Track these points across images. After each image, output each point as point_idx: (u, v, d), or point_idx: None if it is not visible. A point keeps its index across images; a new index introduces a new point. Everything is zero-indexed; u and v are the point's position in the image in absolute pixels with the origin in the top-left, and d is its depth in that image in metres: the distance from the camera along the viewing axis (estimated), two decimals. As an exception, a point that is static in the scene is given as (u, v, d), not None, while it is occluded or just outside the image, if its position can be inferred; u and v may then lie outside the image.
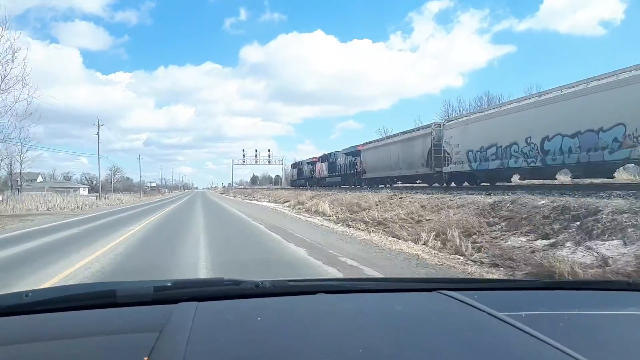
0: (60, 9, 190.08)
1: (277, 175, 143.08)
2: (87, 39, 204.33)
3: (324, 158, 45.08)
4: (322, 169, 45.04)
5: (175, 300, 1.16)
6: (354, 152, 35.96)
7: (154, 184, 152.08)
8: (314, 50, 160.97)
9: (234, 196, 53.17)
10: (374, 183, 31.78)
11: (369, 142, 33.86)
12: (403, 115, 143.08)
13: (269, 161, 71.20)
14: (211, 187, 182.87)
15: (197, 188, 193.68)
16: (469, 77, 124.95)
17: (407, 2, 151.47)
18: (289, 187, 61.78)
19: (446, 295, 1.27)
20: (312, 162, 50.78)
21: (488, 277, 5.33)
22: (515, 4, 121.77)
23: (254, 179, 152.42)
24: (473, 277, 5.23)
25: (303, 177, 54.51)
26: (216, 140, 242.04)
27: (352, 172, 35.80)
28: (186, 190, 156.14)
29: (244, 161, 69.95)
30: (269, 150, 73.59)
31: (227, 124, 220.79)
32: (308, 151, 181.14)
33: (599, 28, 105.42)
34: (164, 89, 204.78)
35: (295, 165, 60.64)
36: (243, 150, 71.26)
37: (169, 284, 1.24)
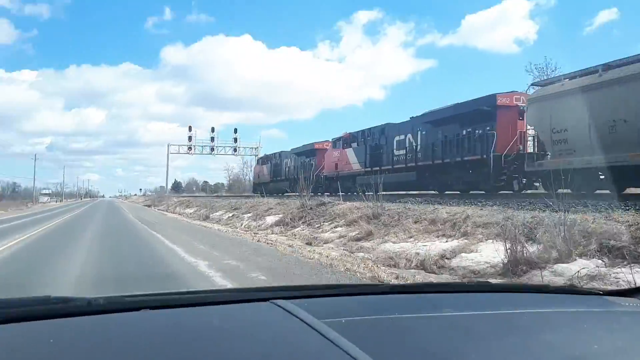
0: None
1: (205, 182, 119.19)
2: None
3: (349, 139, 24.78)
4: (342, 160, 24.75)
5: None
6: (479, 115, 15.94)
7: (47, 191, 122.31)
8: (240, 55, 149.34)
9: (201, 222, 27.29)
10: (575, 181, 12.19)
11: (545, 83, 14.25)
12: (326, 125, 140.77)
13: (235, 149, 48.21)
14: (122, 196, 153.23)
15: (103, 196, 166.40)
16: (391, 89, 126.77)
17: (337, 11, 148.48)
18: (252, 194, 40.46)
19: (277, 305, 1.27)
20: (307, 152, 30.29)
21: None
22: (439, 19, 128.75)
23: (177, 185, 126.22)
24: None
25: (283, 177, 33.79)
26: (128, 146, 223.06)
27: (477, 157, 15.82)
28: (86, 199, 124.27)
29: (190, 147, 45.90)
30: (235, 131, 49.25)
31: (142, 129, 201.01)
32: (228, 159, 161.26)
33: (514, 46, 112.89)
34: (74, 90, 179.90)
35: (265, 159, 39.51)
36: (190, 129, 46.55)
37: None
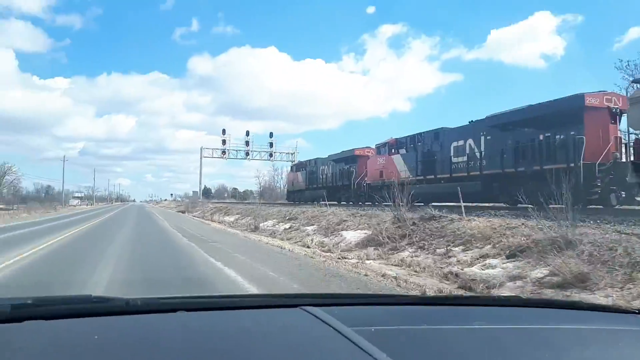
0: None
1: (235, 188, 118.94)
2: (24, 40, 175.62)
3: (395, 145, 22.81)
4: (388, 167, 22.77)
5: (35, 318, 1.12)
6: (562, 117, 13.75)
7: (79, 194, 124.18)
8: (266, 66, 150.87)
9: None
10: None
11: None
12: (351, 136, 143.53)
13: (270, 154, 46.80)
14: (152, 200, 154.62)
15: (134, 201, 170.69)
16: (417, 102, 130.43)
17: (361, 25, 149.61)
18: (285, 201, 38.94)
19: (306, 311, 1.28)
20: (347, 158, 28.39)
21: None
22: (464, 34, 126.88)
23: (207, 192, 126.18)
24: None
25: (320, 185, 32.01)
26: (157, 153, 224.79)
27: (561, 165, 13.52)
28: (117, 203, 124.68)
29: (224, 151, 44.55)
30: (270, 136, 46.55)
31: (170, 137, 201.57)
32: (255, 166, 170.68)
33: (541, 61, 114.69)
34: (105, 97, 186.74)
35: (299, 166, 37.83)
36: (224, 132, 45.29)
37: (29, 302, 1.20)
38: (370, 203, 23.63)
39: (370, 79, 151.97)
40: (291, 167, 39.82)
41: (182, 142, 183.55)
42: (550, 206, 13.41)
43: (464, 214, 10.47)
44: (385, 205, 15.27)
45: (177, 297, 1.42)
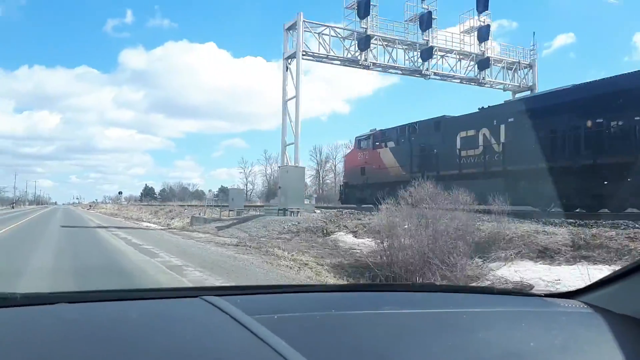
0: None
1: (185, 187, 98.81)
2: None
3: None
4: None
5: None
6: None
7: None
8: (204, 63, 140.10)
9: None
10: None
11: None
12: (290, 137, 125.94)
13: (483, 63, 17.99)
14: (79, 203, 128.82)
15: (55, 203, 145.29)
16: (355, 104, 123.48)
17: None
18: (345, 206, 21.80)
19: (206, 301, 1.21)
20: (597, 99, 11.84)
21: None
22: None
23: (149, 191, 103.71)
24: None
25: (469, 168, 15.32)
26: (84, 152, 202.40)
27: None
28: (30, 207, 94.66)
29: (361, 47, 14.89)
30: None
31: (98, 135, 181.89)
32: (187, 167, 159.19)
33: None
34: (25, 92, 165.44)
35: (383, 137, 20.39)
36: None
37: None
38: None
39: (310, 79, 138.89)
40: (357, 140, 22.12)
41: (111, 141, 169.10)
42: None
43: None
44: None
45: (60, 292, 1.30)
